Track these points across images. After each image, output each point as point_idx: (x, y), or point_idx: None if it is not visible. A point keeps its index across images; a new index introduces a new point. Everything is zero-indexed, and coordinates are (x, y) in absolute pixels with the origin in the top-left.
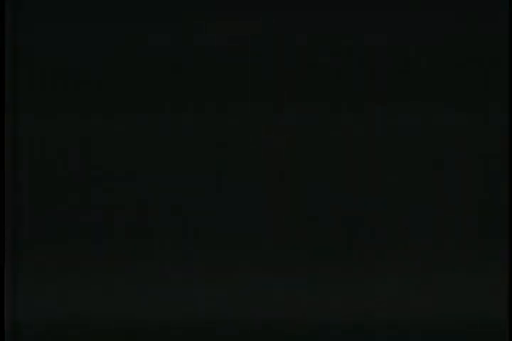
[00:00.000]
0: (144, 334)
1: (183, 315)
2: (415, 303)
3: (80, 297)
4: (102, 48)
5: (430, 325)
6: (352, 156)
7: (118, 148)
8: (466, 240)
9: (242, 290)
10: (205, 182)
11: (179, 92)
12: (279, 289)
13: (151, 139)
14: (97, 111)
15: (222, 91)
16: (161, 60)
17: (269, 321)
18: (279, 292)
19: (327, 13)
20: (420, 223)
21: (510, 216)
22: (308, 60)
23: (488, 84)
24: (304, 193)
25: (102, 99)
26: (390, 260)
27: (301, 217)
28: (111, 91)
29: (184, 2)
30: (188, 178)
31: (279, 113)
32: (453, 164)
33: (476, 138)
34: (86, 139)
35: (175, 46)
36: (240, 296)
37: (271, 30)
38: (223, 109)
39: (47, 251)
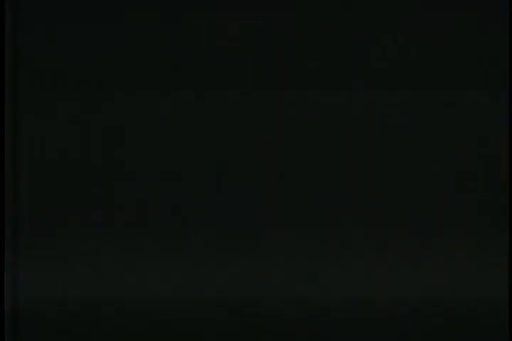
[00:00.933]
0: (148, 312)
1: (181, 298)
2: (413, 281)
3: (81, 276)
4: (101, 48)
5: (428, 304)
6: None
7: (117, 146)
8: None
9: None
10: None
11: (178, 89)
12: (279, 277)
13: (151, 138)
14: (98, 111)
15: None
16: (160, 58)
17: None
18: (278, 276)
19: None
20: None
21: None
22: (306, 49)
23: (488, 85)
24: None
25: (102, 98)
26: (387, 237)
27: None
28: (110, 90)
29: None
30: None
31: (279, 102)
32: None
33: (476, 137)
34: (86, 138)
35: (174, 41)
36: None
37: (270, 25)
38: (224, 100)
39: (48, 232)
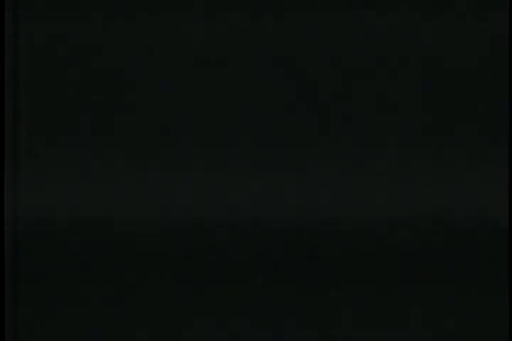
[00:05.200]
0: (147, 232)
1: (181, 215)
2: (412, 201)
3: (82, 194)
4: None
5: (429, 225)
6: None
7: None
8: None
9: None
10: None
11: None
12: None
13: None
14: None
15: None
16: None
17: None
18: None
19: None
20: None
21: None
22: None
23: (488, 84)
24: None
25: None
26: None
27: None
28: (112, 93)
29: None
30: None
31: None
32: None
33: (481, 49)
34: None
35: None
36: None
37: None
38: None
39: (48, 149)
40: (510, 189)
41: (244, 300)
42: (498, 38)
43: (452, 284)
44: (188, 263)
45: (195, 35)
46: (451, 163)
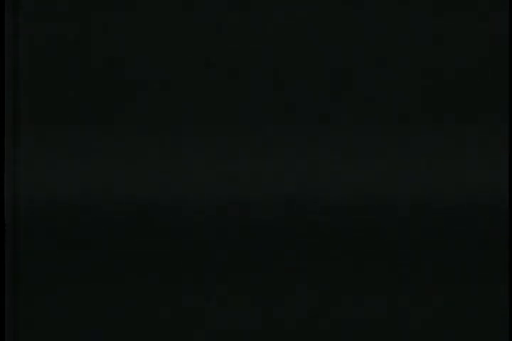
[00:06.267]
0: (147, 210)
1: (184, 191)
2: (411, 176)
3: (84, 171)
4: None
5: (429, 200)
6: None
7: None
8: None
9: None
10: None
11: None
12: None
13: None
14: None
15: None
16: None
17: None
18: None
19: None
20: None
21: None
22: None
23: (488, 85)
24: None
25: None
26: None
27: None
28: (113, 95)
29: None
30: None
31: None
32: None
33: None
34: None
35: None
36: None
37: None
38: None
39: (49, 125)
40: (510, 166)
41: (247, 278)
42: (498, 38)
43: (453, 265)
44: (189, 240)
45: (197, 33)
46: (451, 140)
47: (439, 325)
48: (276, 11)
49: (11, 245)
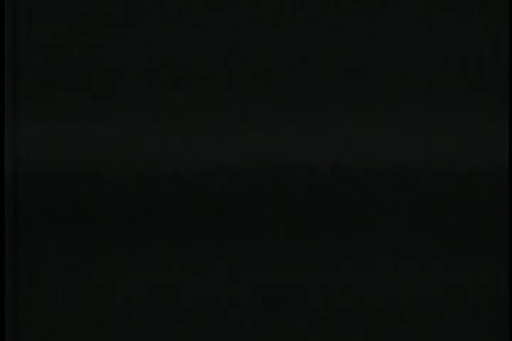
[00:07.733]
0: (147, 176)
1: (185, 163)
2: (411, 149)
3: (85, 145)
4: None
5: (426, 168)
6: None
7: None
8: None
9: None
10: None
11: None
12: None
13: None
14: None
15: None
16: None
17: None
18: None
19: None
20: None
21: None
22: None
23: (488, 85)
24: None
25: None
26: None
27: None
28: (111, 94)
29: None
30: None
31: None
32: None
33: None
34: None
35: None
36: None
37: None
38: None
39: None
40: (510, 133)
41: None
42: (498, 38)
43: (454, 232)
44: (188, 209)
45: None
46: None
47: (438, 291)
48: (276, 10)
49: (10, 218)
